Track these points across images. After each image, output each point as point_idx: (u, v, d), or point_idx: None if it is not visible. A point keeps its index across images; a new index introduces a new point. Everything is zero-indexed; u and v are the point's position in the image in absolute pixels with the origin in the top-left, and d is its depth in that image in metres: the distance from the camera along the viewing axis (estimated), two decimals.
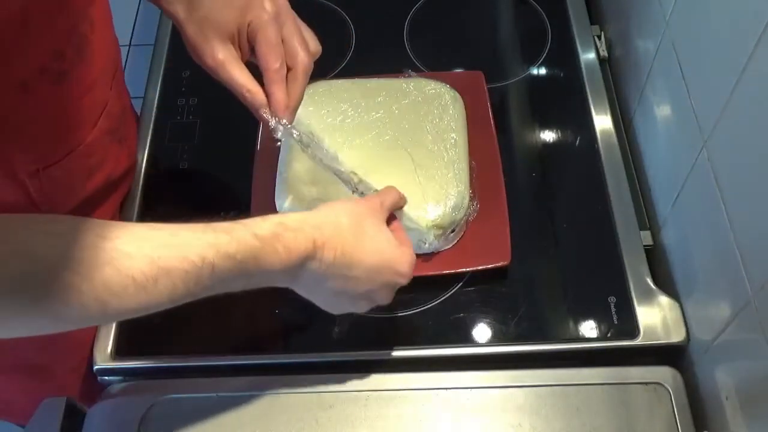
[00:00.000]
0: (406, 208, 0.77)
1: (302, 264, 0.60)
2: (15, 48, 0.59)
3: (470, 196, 0.82)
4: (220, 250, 0.54)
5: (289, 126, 0.70)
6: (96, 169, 0.78)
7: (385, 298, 0.69)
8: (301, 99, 0.71)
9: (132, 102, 1.04)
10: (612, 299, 0.80)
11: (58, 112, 0.67)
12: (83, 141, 0.73)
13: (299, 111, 0.72)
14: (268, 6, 0.69)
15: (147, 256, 0.51)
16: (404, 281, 0.68)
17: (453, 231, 0.81)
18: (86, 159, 0.75)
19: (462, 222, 0.81)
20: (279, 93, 0.68)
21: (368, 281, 0.65)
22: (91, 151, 0.75)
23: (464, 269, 0.81)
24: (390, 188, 0.74)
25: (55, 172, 0.71)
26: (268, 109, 0.68)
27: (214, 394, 0.76)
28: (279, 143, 0.73)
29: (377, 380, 0.76)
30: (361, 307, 0.69)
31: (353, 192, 0.77)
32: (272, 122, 0.69)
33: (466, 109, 0.90)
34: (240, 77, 0.68)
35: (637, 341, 0.77)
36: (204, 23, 0.68)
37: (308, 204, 0.80)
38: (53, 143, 0.70)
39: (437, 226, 0.79)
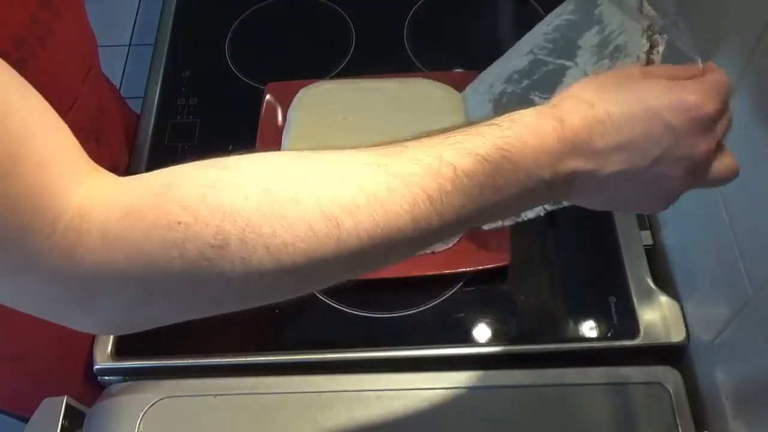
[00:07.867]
0: None
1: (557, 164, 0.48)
2: None
3: None
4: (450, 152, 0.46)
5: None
6: None
7: (695, 149, 0.49)
8: None
9: (127, 102, 1.04)
10: (612, 299, 0.80)
11: None
12: None
13: (298, 113, 0.71)
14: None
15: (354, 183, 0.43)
16: (704, 106, 0.49)
17: None
18: None
19: None
20: None
21: (649, 137, 0.48)
22: None
23: (464, 269, 0.81)
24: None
25: None
26: None
27: (214, 394, 0.76)
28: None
29: (377, 380, 0.76)
30: (676, 183, 0.51)
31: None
32: None
33: None
34: None
35: (637, 341, 0.77)
36: None
37: None
38: None
39: None
